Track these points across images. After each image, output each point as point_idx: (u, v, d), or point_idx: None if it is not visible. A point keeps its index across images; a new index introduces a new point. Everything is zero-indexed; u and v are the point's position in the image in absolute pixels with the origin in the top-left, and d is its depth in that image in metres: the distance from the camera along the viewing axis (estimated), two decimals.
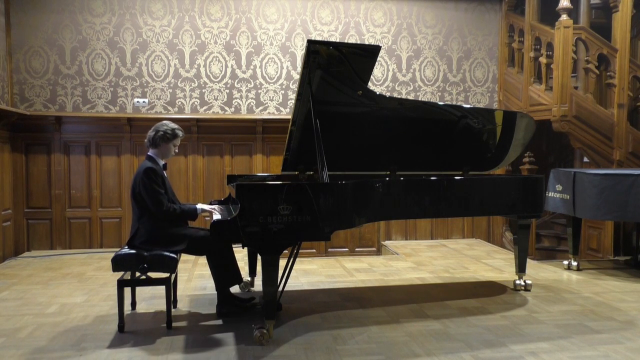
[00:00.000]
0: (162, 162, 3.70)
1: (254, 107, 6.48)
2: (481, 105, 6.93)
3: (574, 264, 5.25)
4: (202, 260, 5.35)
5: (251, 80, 6.46)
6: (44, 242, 6.13)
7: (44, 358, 3.02)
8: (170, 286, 3.49)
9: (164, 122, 3.71)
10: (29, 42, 6.02)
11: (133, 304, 3.91)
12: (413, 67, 6.80)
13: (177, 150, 3.79)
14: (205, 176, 6.40)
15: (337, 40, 6.51)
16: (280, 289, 3.38)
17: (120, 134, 6.20)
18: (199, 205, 3.65)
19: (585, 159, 6.26)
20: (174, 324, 3.52)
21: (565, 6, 5.74)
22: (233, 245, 3.78)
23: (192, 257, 5.42)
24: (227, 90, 6.43)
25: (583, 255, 5.90)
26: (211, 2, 6.32)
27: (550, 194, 5.25)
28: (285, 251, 3.29)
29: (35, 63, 6.05)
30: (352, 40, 6.56)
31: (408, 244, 6.63)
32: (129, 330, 3.45)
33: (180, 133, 3.70)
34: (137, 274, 3.51)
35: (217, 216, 3.55)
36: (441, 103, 6.15)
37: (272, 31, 6.46)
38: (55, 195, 6.12)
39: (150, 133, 3.66)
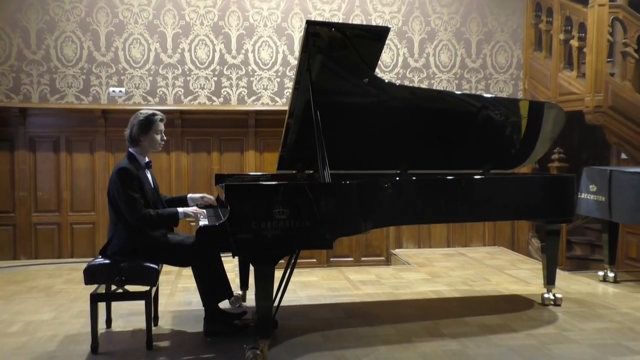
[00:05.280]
0: (145, 160, 3.69)
1: (246, 97, 6.49)
2: (504, 95, 6.94)
3: (610, 275, 5.25)
4: (187, 271, 5.33)
5: (242, 67, 6.47)
6: (6, 251, 6.13)
7: None
8: (151, 301, 3.49)
9: (138, 112, 3.67)
10: None
11: (108, 322, 3.90)
12: (426, 51, 6.80)
13: (164, 138, 3.75)
14: (190, 175, 6.40)
15: (340, 21, 6.52)
16: (275, 304, 3.39)
17: (93, 128, 6.20)
18: (181, 209, 3.62)
19: (623, 156, 6.26)
20: (154, 344, 3.51)
21: None
22: (222, 255, 3.77)
23: (175, 268, 5.42)
24: (215, 78, 6.44)
25: (620, 265, 5.90)
26: None
27: (583, 196, 5.25)
28: (282, 261, 3.30)
29: None
30: (357, 21, 6.57)
31: (421, 253, 6.63)
32: (103, 351, 3.45)
33: (157, 117, 3.64)
34: (113, 287, 3.51)
35: (203, 221, 3.55)
36: (458, 92, 6.16)
37: (266, 11, 6.46)
38: (19, 198, 6.13)
39: (127, 131, 3.65)
